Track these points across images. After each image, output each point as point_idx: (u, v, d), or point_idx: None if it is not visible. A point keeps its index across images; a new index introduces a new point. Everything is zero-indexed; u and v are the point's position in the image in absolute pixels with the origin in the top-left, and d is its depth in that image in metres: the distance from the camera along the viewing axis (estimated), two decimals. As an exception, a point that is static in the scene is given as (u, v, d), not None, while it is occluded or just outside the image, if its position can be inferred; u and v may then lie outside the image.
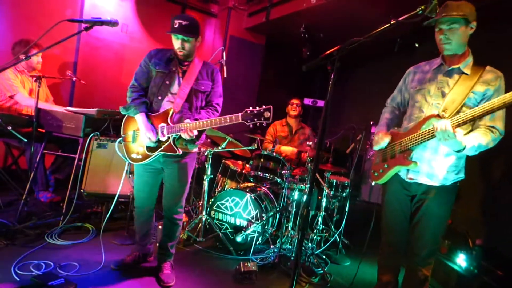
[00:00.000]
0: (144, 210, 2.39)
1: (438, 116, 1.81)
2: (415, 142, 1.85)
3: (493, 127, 1.77)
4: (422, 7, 1.50)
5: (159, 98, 2.20)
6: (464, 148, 1.71)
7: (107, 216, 2.58)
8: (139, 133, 2.22)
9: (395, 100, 2.24)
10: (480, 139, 1.73)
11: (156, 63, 2.22)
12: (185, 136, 2.08)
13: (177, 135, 2.13)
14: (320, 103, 5.85)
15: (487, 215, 3.35)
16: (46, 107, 3.14)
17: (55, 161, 3.71)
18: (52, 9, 4.05)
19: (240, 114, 1.98)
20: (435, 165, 1.89)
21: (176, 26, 2.09)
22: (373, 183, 2.18)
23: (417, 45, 3.66)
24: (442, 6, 1.79)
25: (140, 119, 2.17)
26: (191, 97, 2.21)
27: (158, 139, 2.16)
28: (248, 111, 1.97)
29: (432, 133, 1.76)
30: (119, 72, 4.68)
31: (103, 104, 4.09)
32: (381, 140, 2.06)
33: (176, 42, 2.15)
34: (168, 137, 2.14)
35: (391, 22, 1.46)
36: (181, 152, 2.15)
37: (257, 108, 1.97)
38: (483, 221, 3.37)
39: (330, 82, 1.38)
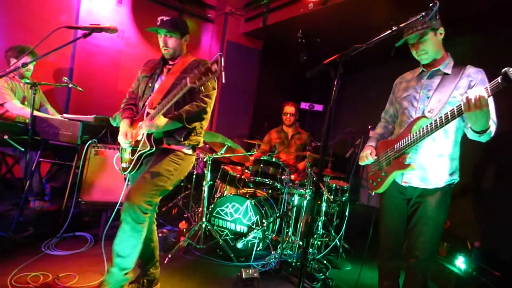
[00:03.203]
0: None
1: (424, 117, 1.85)
2: (409, 145, 1.87)
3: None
4: (423, 13, 1.51)
5: (143, 101, 2.13)
6: (488, 128, 1.65)
7: (108, 224, 2.52)
8: None
9: (388, 113, 2.28)
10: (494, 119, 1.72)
11: (143, 70, 2.21)
12: (145, 130, 1.96)
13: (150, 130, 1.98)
14: (317, 107, 5.87)
15: (484, 218, 3.37)
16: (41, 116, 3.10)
17: (50, 169, 3.66)
18: (47, 15, 4.02)
19: (188, 77, 1.71)
20: (428, 168, 1.91)
21: (158, 23, 2.04)
22: (372, 193, 2.19)
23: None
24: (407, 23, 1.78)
25: (120, 125, 2.12)
26: (169, 94, 1.96)
27: (137, 140, 2.05)
28: (196, 71, 1.69)
29: (423, 132, 1.77)
30: (116, 78, 4.65)
31: (100, 111, 4.06)
32: (366, 158, 2.11)
33: (160, 40, 2.09)
34: (142, 134, 2.02)
35: (393, 29, 1.46)
36: (153, 148, 1.99)
37: (203, 67, 1.69)
38: (481, 223, 3.39)
39: (334, 88, 1.38)
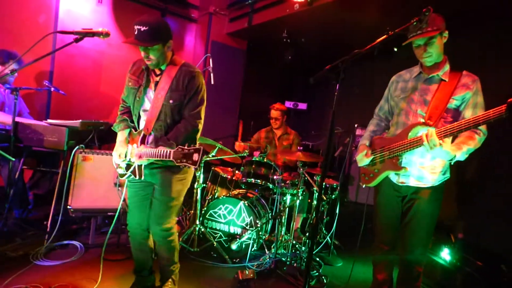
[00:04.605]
0: (135, 230, 2.16)
1: (424, 124, 1.90)
2: (404, 149, 1.93)
3: (477, 128, 1.84)
4: (417, 18, 1.56)
5: (135, 115, 2.11)
6: (454, 157, 1.81)
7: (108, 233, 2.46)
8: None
9: (383, 109, 2.30)
10: (469, 144, 1.82)
11: (129, 78, 2.08)
12: (137, 162, 1.98)
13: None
14: (301, 105, 5.94)
15: (466, 210, 3.53)
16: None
17: (33, 176, 3.52)
18: (25, 16, 3.85)
19: (172, 151, 1.77)
20: (424, 169, 1.98)
21: (135, 33, 1.84)
22: (363, 186, 2.25)
23: (395, 49, 3.79)
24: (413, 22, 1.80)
25: (118, 136, 2.12)
26: (160, 115, 1.99)
27: (130, 159, 2.04)
28: (179, 149, 1.75)
29: (419, 141, 1.84)
30: (98, 80, 4.52)
31: (82, 114, 3.95)
32: (362, 160, 2.15)
33: (141, 52, 1.92)
34: (134, 161, 2.02)
35: (389, 34, 1.51)
36: (142, 178, 2.01)
37: (187, 148, 1.75)
38: (463, 216, 3.55)
39: (336, 93, 1.41)
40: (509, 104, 1.49)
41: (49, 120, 2.94)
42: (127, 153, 2.04)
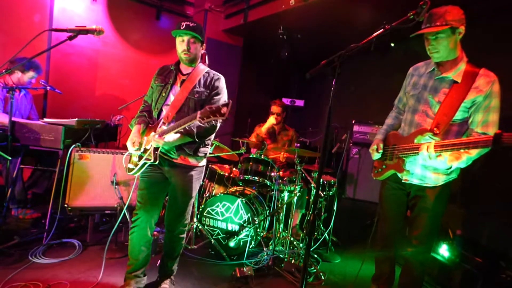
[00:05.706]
0: (146, 225, 2.16)
1: (431, 131, 1.85)
2: (407, 153, 1.93)
3: (484, 133, 1.78)
4: (414, 12, 1.55)
5: (156, 110, 2.18)
6: (451, 167, 1.83)
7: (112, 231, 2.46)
8: None
9: (402, 101, 2.24)
10: (470, 153, 1.77)
11: (157, 78, 2.23)
12: (154, 144, 2.02)
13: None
14: (298, 102, 5.94)
15: (464, 207, 3.53)
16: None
17: (32, 175, 3.51)
18: (20, 15, 3.83)
19: (199, 111, 1.79)
20: (428, 169, 1.96)
21: (182, 26, 2.03)
22: (374, 178, 2.26)
23: (392, 44, 3.79)
24: (427, 14, 1.77)
25: (133, 128, 2.20)
26: (183, 107, 2.09)
27: (145, 148, 2.11)
28: (207, 108, 1.76)
29: (418, 150, 1.83)
30: (93, 78, 4.50)
31: (79, 113, 3.95)
32: (373, 154, 2.16)
33: (182, 44, 2.06)
34: (151, 145, 2.07)
35: (386, 28, 1.50)
36: (157, 161, 2.04)
37: (215, 106, 1.77)
38: (461, 213, 3.55)
39: (332, 89, 1.40)
40: (495, 137, 1.47)
41: (46, 119, 2.93)
42: (142, 143, 2.11)
